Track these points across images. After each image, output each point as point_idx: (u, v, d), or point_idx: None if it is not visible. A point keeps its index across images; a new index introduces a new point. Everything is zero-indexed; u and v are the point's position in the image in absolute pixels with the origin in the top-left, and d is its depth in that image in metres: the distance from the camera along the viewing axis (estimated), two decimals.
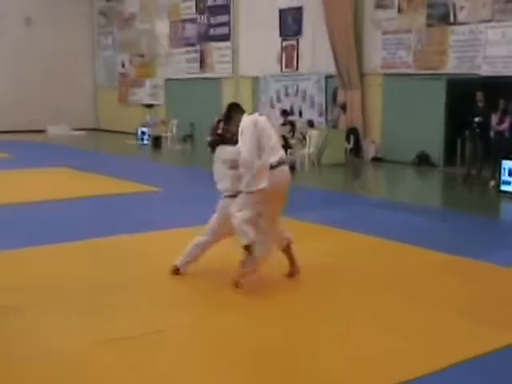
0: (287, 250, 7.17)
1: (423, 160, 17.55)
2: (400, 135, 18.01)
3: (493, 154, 13.98)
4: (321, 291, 6.83)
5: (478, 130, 14.19)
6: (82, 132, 29.84)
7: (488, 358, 5.17)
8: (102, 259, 8.00)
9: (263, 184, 6.60)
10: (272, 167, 6.65)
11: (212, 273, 7.34)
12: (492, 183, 13.75)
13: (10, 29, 29.49)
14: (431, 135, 17.28)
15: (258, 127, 6.72)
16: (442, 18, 16.99)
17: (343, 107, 19.57)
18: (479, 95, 14.22)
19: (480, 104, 14.22)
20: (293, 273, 7.20)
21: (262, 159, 6.64)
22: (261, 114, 7.16)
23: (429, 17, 17.34)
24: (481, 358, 5.16)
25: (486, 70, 15.97)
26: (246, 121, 6.80)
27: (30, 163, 17.57)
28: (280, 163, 6.73)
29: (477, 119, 14.16)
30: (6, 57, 29.45)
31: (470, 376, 4.92)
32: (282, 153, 6.86)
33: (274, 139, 6.81)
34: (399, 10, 18.13)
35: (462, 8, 16.46)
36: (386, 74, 18.74)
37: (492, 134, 14.02)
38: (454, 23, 16.69)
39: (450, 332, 5.72)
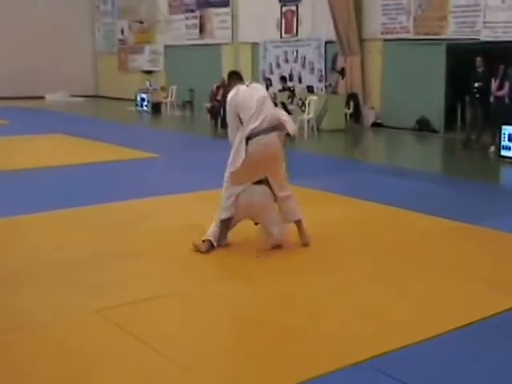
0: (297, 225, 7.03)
1: (423, 125, 17.34)
2: (400, 101, 17.78)
3: (492, 120, 13.81)
4: (323, 256, 6.74)
5: (477, 96, 14.03)
6: (81, 99, 29.59)
7: (494, 320, 5.11)
8: (101, 226, 7.86)
9: (237, 164, 6.55)
10: (247, 140, 6.50)
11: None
12: (492, 148, 13.59)
13: None
14: (431, 101, 17.05)
15: (235, 102, 6.64)
16: None
17: (341, 72, 19.32)
18: (479, 60, 14.03)
19: (480, 69, 14.03)
20: (303, 243, 7.03)
21: (238, 135, 6.55)
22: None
23: None
24: (487, 320, 5.10)
25: (485, 36, 15.70)
26: (228, 98, 6.77)
27: (27, 130, 17.34)
28: (253, 135, 6.49)
29: (476, 84, 13.98)
30: (4, 23, 29.08)
31: (476, 337, 4.85)
32: (259, 119, 6.52)
33: (254, 108, 6.54)
34: None
35: None
36: (385, 40, 18.47)
37: (491, 99, 13.82)
38: None
39: (457, 295, 5.65)
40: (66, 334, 4.85)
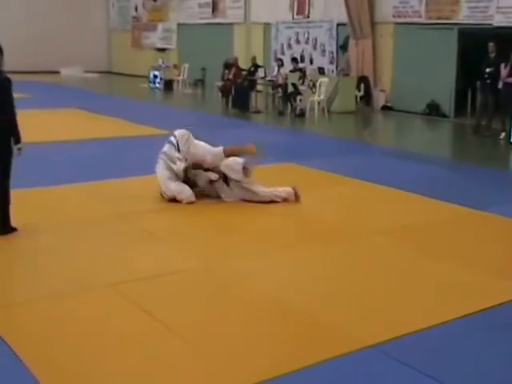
0: None
1: (433, 110, 16.97)
2: (410, 84, 17.42)
3: (502, 106, 13.52)
4: (332, 239, 6.63)
5: (488, 81, 13.68)
6: (95, 74, 29.42)
7: (505, 309, 5.00)
8: (113, 202, 7.78)
9: None
10: None
11: (227, 219, 7.32)
12: (502, 135, 13.29)
13: None
14: (442, 85, 16.66)
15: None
16: None
17: (344, 47, 19.00)
18: (491, 46, 13.69)
19: (492, 55, 13.70)
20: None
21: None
22: None
23: None
24: (497, 308, 5.00)
25: (498, 21, 15.29)
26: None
27: (45, 103, 17.26)
28: None
29: (488, 70, 13.65)
30: None
31: (486, 324, 4.75)
32: None
33: None
34: None
35: None
36: (397, 23, 18.08)
37: (501, 85, 13.50)
38: None
39: (466, 282, 5.55)
40: (78, 306, 4.87)
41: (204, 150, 7.94)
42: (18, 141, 6.31)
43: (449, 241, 6.69)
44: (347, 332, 4.53)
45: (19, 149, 6.33)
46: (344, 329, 4.58)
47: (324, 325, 4.64)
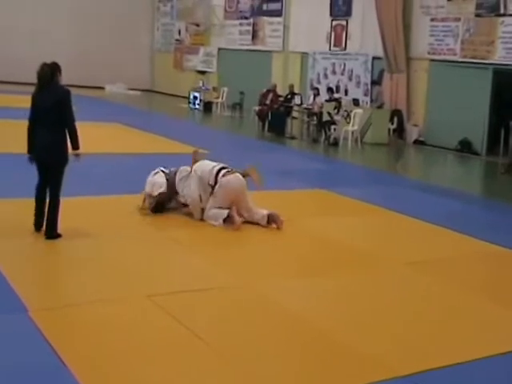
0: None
1: (465, 147, 16.65)
2: (443, 121, 17.17)
3: None
4: (361, 267, 6.57)
5: None
6: (138, 92, 29.66)
7: None
8: (153, 215, 7.83)
9: None
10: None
11: (257, 238, 7.34)
12: None
13: None
14: (475, 123, 16.38)
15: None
16: (492, 8, 15.98)
17: (376, 81, 19.12)
18: None
19: None
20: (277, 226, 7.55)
21: None
22: None
23: (478, 6, 16.28)
24: None
25: None
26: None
27: (90, 117, 17.38)
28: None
29: None
30: (75, 18, 29.34)
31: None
32: None
33: None
34: None
35: None
36: (432, 60, 17.95)
37: None
38: (504, 14, 15.75)
39: (500, 320, 5.41)
40: (117, 314, 4.94)
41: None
42: (76, 147, 6.55)
43: (481, 276, 6.58)
44: (379, 360, 4.44)
45: (77, 155, 6.54)
46: (376, 357, 4.48)
47: (355, 352, 4.55)
